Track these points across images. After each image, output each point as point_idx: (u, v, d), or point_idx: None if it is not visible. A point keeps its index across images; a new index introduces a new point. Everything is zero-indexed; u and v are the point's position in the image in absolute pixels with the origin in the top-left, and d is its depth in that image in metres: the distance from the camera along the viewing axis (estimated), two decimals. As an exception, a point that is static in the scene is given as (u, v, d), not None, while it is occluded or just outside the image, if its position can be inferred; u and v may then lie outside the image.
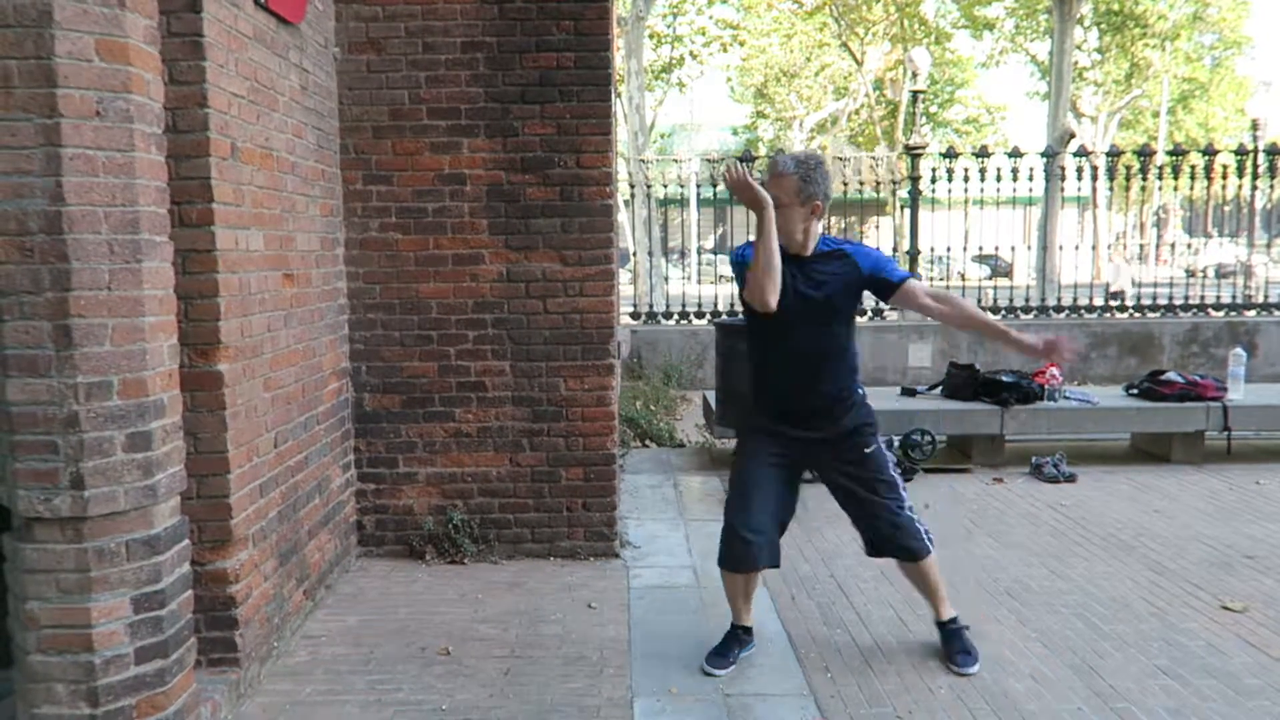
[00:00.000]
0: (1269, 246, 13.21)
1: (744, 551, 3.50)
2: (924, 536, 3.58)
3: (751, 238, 3.26)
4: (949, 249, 9.31)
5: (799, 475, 3.68)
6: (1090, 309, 9.17)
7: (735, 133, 35.97)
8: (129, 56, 2.59)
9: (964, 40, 40.19)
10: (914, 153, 9.48)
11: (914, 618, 4.04)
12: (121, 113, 2.58)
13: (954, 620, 3.66)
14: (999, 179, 8.84)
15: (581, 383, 4.65)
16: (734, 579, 3.61)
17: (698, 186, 17.20)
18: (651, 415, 8.22)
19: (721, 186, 9.15)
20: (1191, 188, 9.53)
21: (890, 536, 3.58)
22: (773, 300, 3.22)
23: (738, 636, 3.65)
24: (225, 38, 3.20)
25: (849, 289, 3.41)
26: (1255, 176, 9.20)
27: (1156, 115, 31.85)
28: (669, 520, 5.47)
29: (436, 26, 4.45)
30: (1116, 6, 23.79)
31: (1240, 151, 9.17)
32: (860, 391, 3.57)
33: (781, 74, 28.14)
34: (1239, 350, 7.22)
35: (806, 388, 3.46)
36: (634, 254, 15.01)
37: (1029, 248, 13.43)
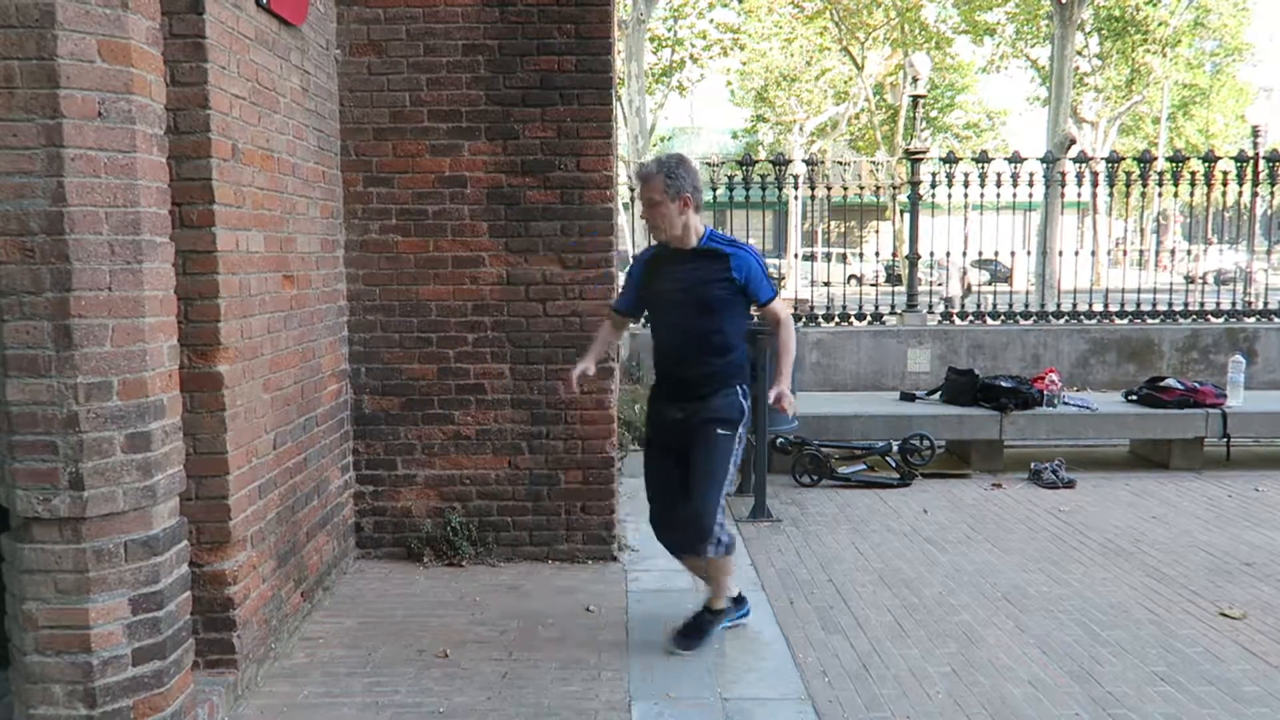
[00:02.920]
0: (1269, 253, 13.21)
1: (668, 544, 3.79)
2: (706, 541, 3.62)
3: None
4: (948, 253, 9.31)
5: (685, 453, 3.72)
6: (1089, 314, 9.17)
7: (735, 136, 35.99)
8: (131, 58, 2.59)
9: (964, 45, 40.18)
10: (914, 157, 9.48)
11: (912, 623, 4.04)
12: (123, 114, 2.58)
13: (717, 611, 3.81)
14: (999, 184, 8.84)
15: (580, 386, 4.63)
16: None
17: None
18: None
19: (721, 190, 9.16)
20: (1191, 194, 9.53)
21: (680, 520, 3.67)
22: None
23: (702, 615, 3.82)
24: (227, 39, 3.21)
25: (721, 287, 3.61)
26: (1255, 183, 9.21)
27: (1157, 121, 31.89)
28: (667, 524, 5.46)
29: (438, 29, 4.46)
30: (1117, 12, 23.84)
31: (1240, 158, 9.17)
32: (738, 389, 3.70)
33: (782, 78, 28.15)
34: (1238, 357, 7.23)
35: (677, 367, 3.70)
36: (632, 257, 14.98)
37: (1029, 253, 13.43)
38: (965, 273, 15.60)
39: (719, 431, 3.61)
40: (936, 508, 5.85)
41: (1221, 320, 9.10)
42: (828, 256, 13.29)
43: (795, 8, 25.95)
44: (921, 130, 12.11)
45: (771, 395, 3.67)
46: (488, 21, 4.46)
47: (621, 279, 4.30)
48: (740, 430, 3.67)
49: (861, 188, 11.12)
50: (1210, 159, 9.13)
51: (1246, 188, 9.26)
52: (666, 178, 3.52)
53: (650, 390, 3.87)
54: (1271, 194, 9.53)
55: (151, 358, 2.69)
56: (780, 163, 8.85)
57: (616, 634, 3.86)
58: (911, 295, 9.29)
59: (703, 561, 3.71)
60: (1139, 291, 9.60)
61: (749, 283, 3.61)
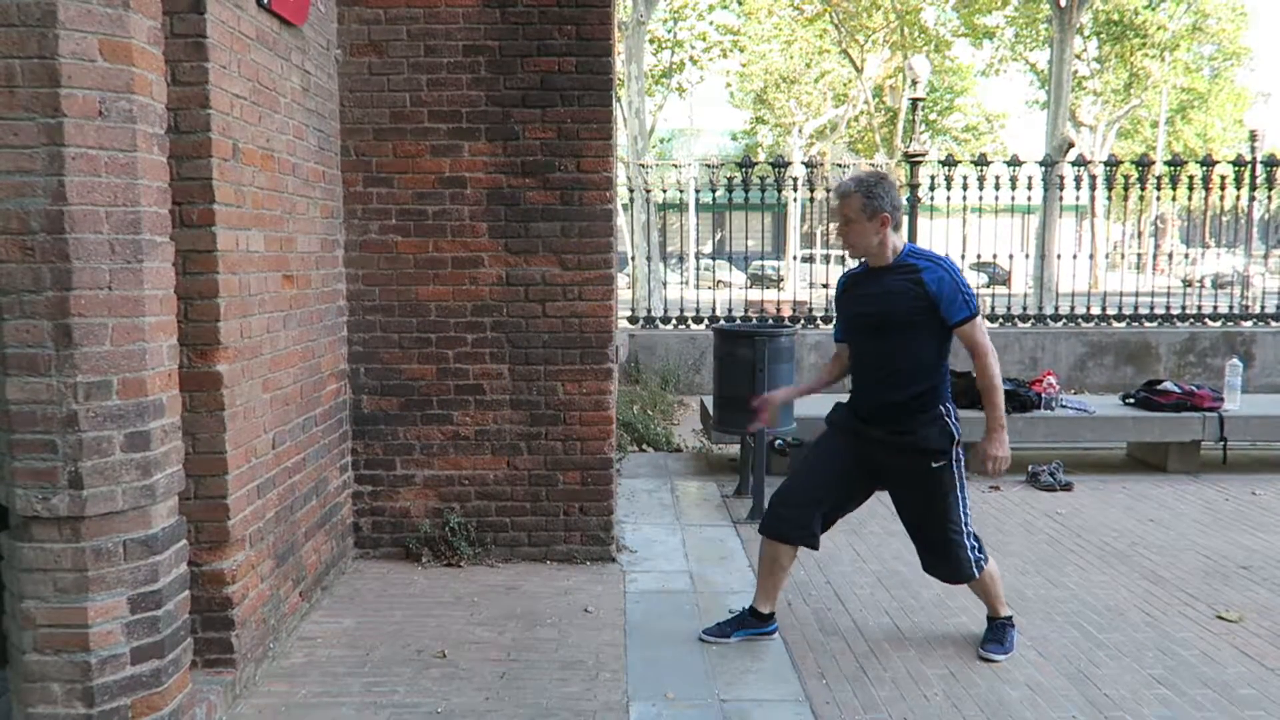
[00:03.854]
0: (1266, 257, 13.23)
1: (773, 522, 3.77)
2: (969, 563, 3.64)
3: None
4: (947, 256, 9.35)
5: (866, 475, 3.72)
6: (1087, 317, 9.19)
7: (735, 138, 36.04)
8: (132, 57, 2.59)
9: (964, 48, 40.30)
10: (913, 160, 9.50)
11: (909, 625, 4.05)
12: (124, 113, 2.58)
13: (1006, 618, 3.83)
14: (998, 187, 8.86)
15: (579, 387, 4.65)
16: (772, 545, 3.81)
17: (696, 191, 17.23)
18: (649, 420, 8.22)
19: (720, 191, 9.17)
20: (1189, 198, 9.55)
21: (930, 560, 3.73)
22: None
23: (744, 617, 3.85)
24: (228, 39, 3.21)
25: (913, 304, 3.46)
26: (1253, 187, 9.23)
27: (1155, 125, 31.94)
28: (666, 525, 5.47)
29: (438, 30, 4.46)
30: (1116, 16, 23.88)
31: (1238, 162, 9.20)
32: (943, 409, 3.54)
33: (781, 80, 28.19)
34: (1235, 360, 7.24)
35: (873, 393, 3.61)
36: (632, 258, 15.01)
37: (1027, 256, 13.46)
38: None
39: (934, 465, 3.50)
40: (934, 510, 5.85)
41: (1219, 324, 9.12)
42: (826, 258, 13.30)
43: (795, 10, 25.98)
44: (920, 133, 12.14)
45: (982, 454, 3.49)
46: (488, 22, 4.47)
47: (622, 280, 4.27)
48: (956, 451, 3.53)
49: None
50: (1208, 163, 9.15)
51: (1244, 192, 9.28)
52: (865, 196, 3.43)
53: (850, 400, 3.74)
54: (1269, 198, 9.55)
55: (151, 357, 2.70)
56: (779, 165, 8.86)
57: (614, 635, 3.87)
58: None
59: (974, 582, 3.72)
60: (1137, 295, 9.62)
61: (941, 298, 3.41)
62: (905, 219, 9.61)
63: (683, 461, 7.26)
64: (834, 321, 3.91)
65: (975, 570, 3.64)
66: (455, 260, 4.58)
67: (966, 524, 3.61)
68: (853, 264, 3.83)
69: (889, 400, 3.54)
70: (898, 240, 3.55)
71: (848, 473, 3.70)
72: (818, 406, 6.96)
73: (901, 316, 3.47)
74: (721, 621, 3.91)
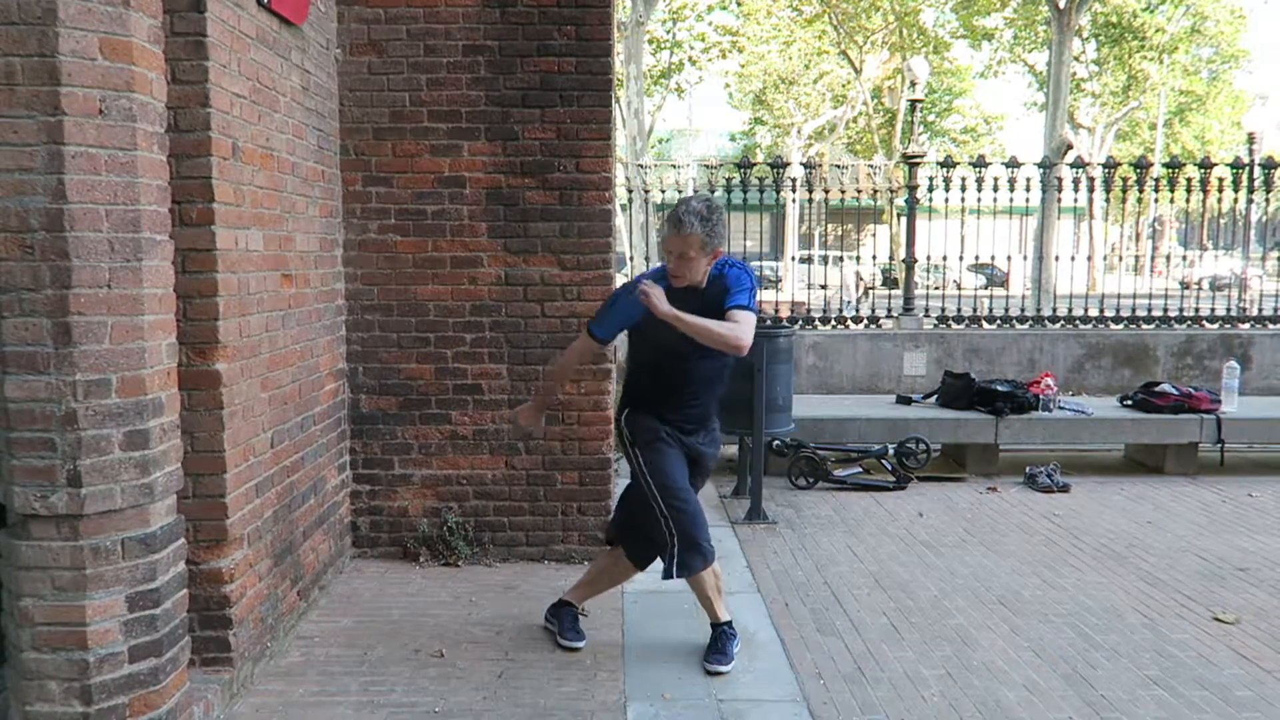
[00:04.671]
0: (1264, 260, 13.25)
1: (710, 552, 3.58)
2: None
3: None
4: (945, 257, 9.33)
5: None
6: (1085, 319, 9.19)
7: (733, 138, 36.05)
8: (133, 55, 2.59)
9: (962, 50, 40.32)
10: (911, 161, 9.50)
11: (907, 626, 4.05)
12: (124, 111, 2.58)
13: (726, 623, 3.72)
14: (996, 189, 8.86)
15: (578, 387, 4.65)
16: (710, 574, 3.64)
17: (695, 192, 17.21)
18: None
19: (719, 192, 9.18)
20: (1187, 200, 9.56)
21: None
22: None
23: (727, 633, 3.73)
24: (228, 38, 3.21)
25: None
26: (1251, 190, 9.24)
27: (1153, 127, 31.98)
28: (663, 525, 5.46)
29: (438, 29, 4.46)
30: (1115, 19, 23.91)
31: (1236, 165, 9.20)
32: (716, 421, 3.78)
33: (780, 81, 28.21)
34: (1233, 363, 7.26)
35: (675, 404, 3.59)
36: (630, 258, 15.00)
37: (1025, 258, 13.46)
38: (859, 276, 15.81)
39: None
40: (932, 511, 5.86)
41: (1216, 326, 9.12)
42: (824, 260, 13.31)
43: (794, 11, 26.00)
44: (919, 134, 12.15)
45: (647, 286, 3.32)
46: (488, 22, 4.47)
47: (621, 280, 4.23)
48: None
49: (859, 191, 11.14)
50: (1206, 165, 9.16)
51: (1242, 194, 9.29)
52: (706, 236, 3.31)
53: (635, 404, 3.63)
54: (1267, 200, 9.56)
55: (150, 355, 2.70)
56: (778, 165, 8.86)
57: (612, 635, 3.87)
58: (908, 299, 9.31)
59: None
60: (1135, 297, 9.63)
61: (729, 292, 3.39)
62: (904, 221, 9.62)
63: (681, 462, 7.25)
64: (605, 315, 3.56)
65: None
66: (454, 260, 4.58)
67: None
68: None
69: (704, 410, 3.62)
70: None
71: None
72: (818, 408, 6.98)
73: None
74: (716, 647, 3.67)
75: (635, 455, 3.57)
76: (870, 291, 15.56)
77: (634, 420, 3.60)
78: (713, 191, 8.95)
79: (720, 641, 3.66)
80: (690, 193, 17.02)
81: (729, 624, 3.70)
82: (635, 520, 3.67)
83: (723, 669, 3.57)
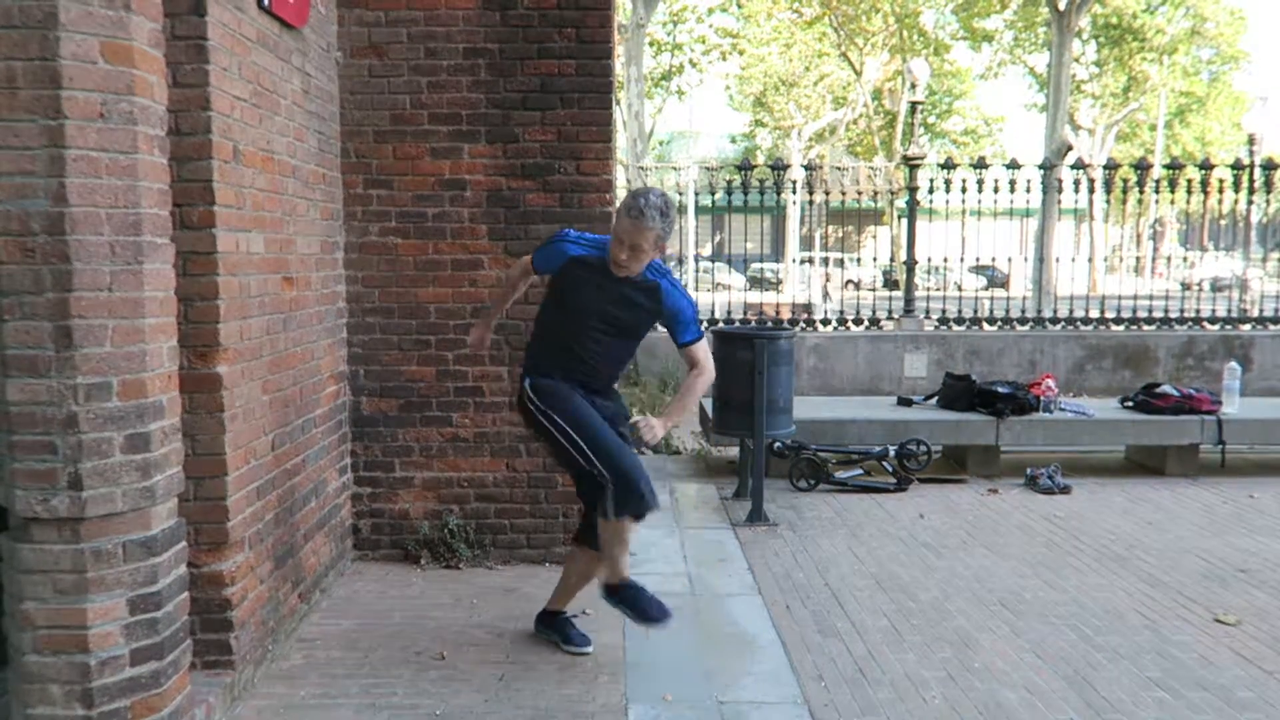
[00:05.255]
0: (1264, 260, 13.25)
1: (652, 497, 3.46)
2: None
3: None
4: (945, 259, 9.33)
5: None
6: (1086, 321, 9.20)
7: (734, 140, 36.07)
8: (133, 59, 2.59)
9: (963, 52, 40.33)
10: (912, 163, 9.52)
11: (908, 627, 4.05)
12: (125, 115, 2.59)
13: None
14: (996, 190, 8.88)
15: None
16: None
17: (695, 194, 17.23)
18: (648, 422, 8.20)
19: (719, 194, 9.18)
20: (1188, 201, 9.57)
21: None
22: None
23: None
24: (229, 41, 3.21)
25: (648, 317, 3.58)
26: (1251, 191, 9.25)
27: (1153, 129, 31.99)
28: (664, 527, 5.47)
29: (439, 32, 4.47)
30: (1115, 20, 23.93)
31: (1236, 166, 9.22)
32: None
33: (780, 83, 28.23)
34: (1234, 364, 7.25)
35: (584, 372, 3.56)
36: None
37: (1025, 259, 13.46)
38: (827, 278, 15.81)
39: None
40: (933, 512, 5.86)
41: (1217, 327, 9.13)
42: (825, 261, 13.31)
43: (794, 13, 26.03)
44: (919, 136, 12.16)
45: (641, 419, 3.54)
46: (488, 25, 4.47)
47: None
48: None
49: (860, 193, 11.14)
50: (1206, 166, 9.16)
51: (1242, 195, 9.30)
52: (663, 230, 3.34)
53: (538, 371, 3.58)
54: (1267, 202, 9.57)
55: (151, 358, 2.70)
56: (779, 167, 8.87)
57: (613, 637, 3.87)
58: (909, 300, 9.31)
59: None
60: (1135, 298, 9.64)
61: (675, 323, 3.54)
62: (904, 222, 9.62)
63: (681, 464, 7.26)
64: (544, 251, 3.62)
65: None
66: (455, 262, 4.58)
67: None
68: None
69: (606, 383, 3.66)
70: None
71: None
72: (819, 409, 6.98)
73: (637, 326, 3.59)
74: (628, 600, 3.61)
75: (553, 419, 3.47)
76: (855, 288, 15.60)
77: (539, 387, 3.53)
78: (713, 193, 8.96)
79: (632, 595, 3.56)
80: (691, 194, 17.05)
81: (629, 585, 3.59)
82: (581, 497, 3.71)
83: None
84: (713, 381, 3.54)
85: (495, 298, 4.12)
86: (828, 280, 15.83)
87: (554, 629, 3.82)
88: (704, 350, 3.62)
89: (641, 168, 12.81)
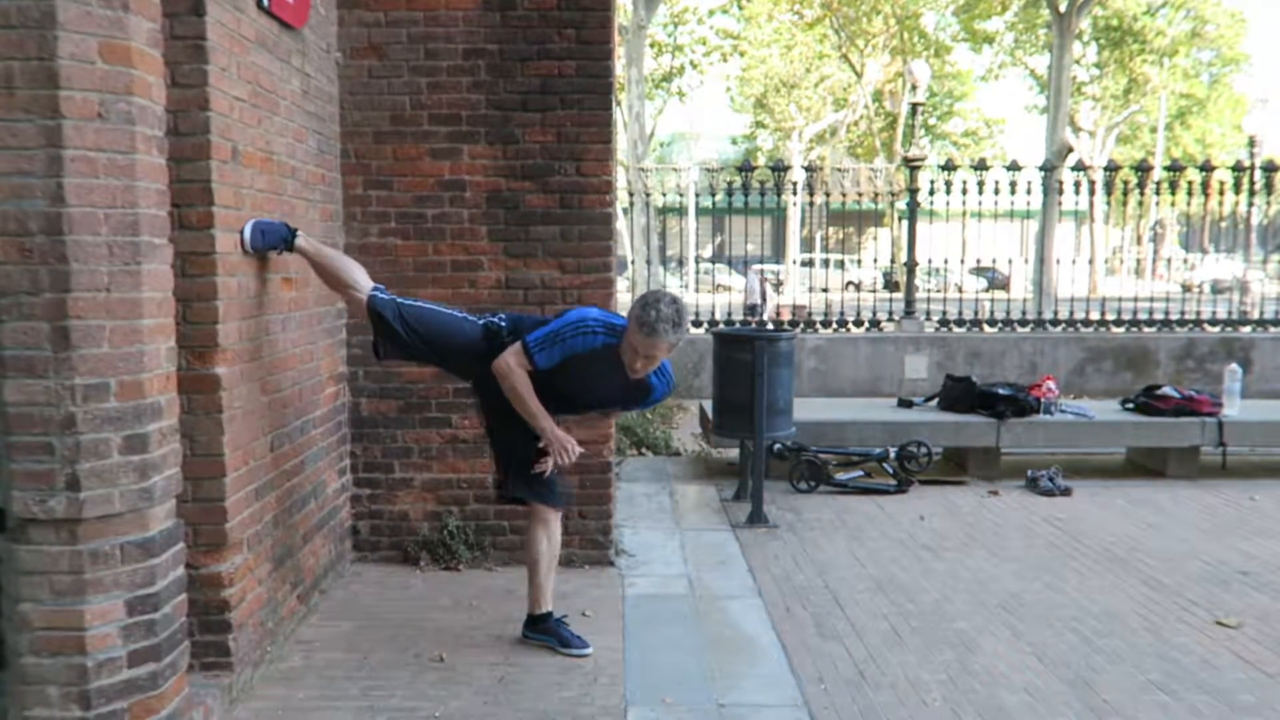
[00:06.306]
0: (1265, 262, 13.25)
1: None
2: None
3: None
4: (946, 261, 9.33)
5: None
6: (1086, 323, 9.19)
7: (735, 142, 36.06)
8: (131, 59, 2.59)
9: (963, 53, 40.28)
10: (912, 165, 9.51)
11: (908, 630, 4.04)
12: (123, 115, 2.58)
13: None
14: (997, 192, 8.87)
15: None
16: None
17: (696, 195, 17.25)
18: (648, 423, 8.21)
19: (720, 196, 9.17)
20: (1188, 203, 9.56)
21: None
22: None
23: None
24: (228, 41, 3.21)
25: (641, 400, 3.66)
26: (1252, 193, 9.24)
27: (1154, 130, 31.99)
28: (665, 529, 5.46)
29: (438, 33, 4.46)
30: (1115, 22, 23.93)
31: (1237, 168, 9.21)
32: None
33: (781, 84, 28.24)
34: (1234, 366, 7.24)
35: (564, 413, 3.69)
36: (631, 262, 14.98)
37: (1026, 261, 13.46)
38: (763, 280, 15.75)
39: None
40: (933, 515, 5.85)
41: (1218, 329, 9.12)
42: (826, 263, 13.30)
43: (795, 15, 26.04)
44: (920, 138, 12.17)
45: (550, 444, 3.54)
46: (488, 26, 4.47)
47: (622, 284, 4.21)
48: None
49: (860, 194, 11.15)
50: (1207, 168, 9.16)
51: (1243, 197, 9.29)
52: (676, 341, 3.33)
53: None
54: (1268, 204, 9.57)
55: (149, 359, 2.69)
56: (779, 169, 8.86)
57: (613, 639, 3.86)
58: (909, 302, 9.30)
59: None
60: (1136, 300, 9.63)
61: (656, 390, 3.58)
62: (905, 224, 9.61)
63: (682, 465, 7.26)
64: (545, 346, 3.42)
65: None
66: (454, 263, 4.57)
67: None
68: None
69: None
70: None
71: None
72: (819, 411, 6.97)
73: (619, 405, 3.80)
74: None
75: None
76: (856, 290, 15.59)
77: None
78: (714, 194, 8.95)
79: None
80: (692, 196, 17.05)
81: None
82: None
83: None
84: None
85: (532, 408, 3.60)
86: (764, 281, 15.69)
87: (551, 633, 3.78)
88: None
89: (642, 169, 12.79)
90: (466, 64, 4.48)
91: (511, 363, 3.43)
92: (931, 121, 33.12)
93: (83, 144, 2.51)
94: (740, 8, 25.64)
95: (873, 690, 3.48)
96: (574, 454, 3.59)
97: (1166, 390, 7.06)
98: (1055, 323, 9.18)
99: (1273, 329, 9.36)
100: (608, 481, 4.72)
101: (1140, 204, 9.45)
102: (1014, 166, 8.93)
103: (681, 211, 15.62)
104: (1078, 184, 9.33)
